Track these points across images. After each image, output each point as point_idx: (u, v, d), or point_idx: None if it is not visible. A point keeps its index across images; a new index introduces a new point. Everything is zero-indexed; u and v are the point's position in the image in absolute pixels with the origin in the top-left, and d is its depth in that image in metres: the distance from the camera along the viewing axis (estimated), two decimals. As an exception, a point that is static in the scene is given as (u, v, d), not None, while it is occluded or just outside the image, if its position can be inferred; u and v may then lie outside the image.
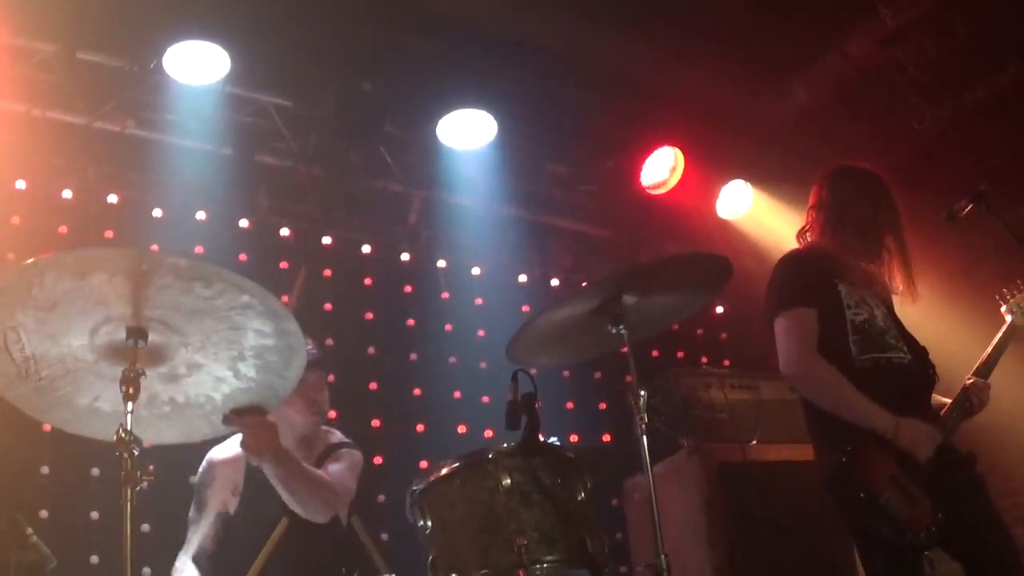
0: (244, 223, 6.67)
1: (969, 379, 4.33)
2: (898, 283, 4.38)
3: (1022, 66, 6.59)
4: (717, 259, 4.10)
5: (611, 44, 6.64)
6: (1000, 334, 4.50)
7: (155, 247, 5.95)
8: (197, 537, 4.58)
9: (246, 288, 3.08)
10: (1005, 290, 4.65)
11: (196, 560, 4.51)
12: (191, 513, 4.65)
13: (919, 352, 4.30)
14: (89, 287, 2.96)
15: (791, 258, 4.43)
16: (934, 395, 4.34)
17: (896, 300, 4.49)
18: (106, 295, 3.00)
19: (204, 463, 4.72)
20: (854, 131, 7.12)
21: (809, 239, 4.50)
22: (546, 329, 4.05)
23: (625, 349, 3.88)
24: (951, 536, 3.92)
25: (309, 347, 4.89)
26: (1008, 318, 4.58)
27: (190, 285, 3.05)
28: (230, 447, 4.74)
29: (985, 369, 4.38)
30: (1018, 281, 4.63)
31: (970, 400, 4.27)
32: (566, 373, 7.20)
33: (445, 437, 6.62)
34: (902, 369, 4.18)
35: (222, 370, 3.33)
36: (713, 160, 7.42)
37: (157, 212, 6.36)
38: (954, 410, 4.23)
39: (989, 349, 4.44)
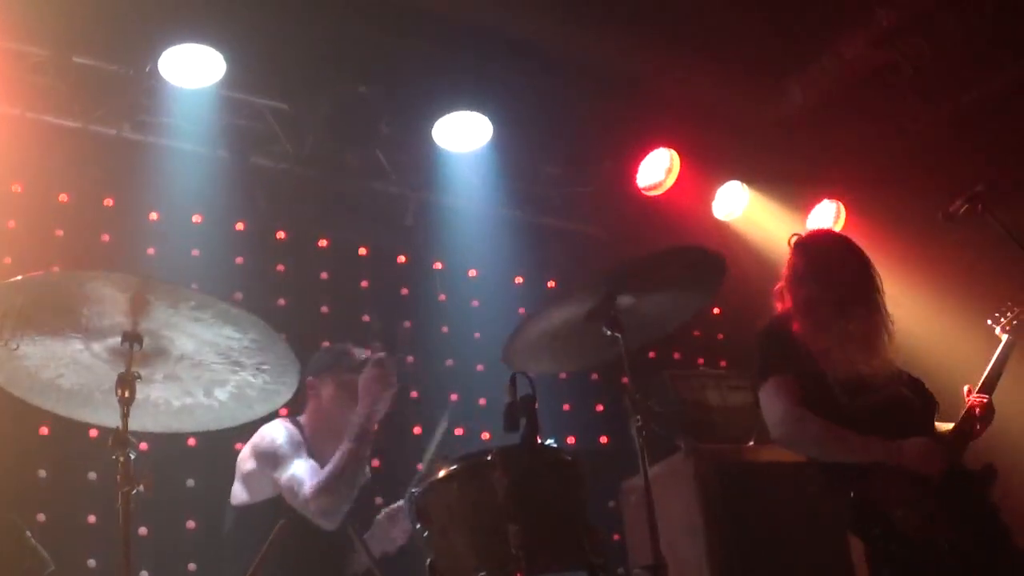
0: (240, 226, 6.66)
1: (973, 395, 4.32)
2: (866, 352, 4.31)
3: (1018, 66, 6.60)
4: (711, 255, 4.10)
5: (606, 46, 6.63)
6: (996, 355, 4.48)
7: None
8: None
9: (277, 349, 3.15)
10: (997, 313, 4.63)
11: None
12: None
13: (914, 385, 4.29)
14: (114, 298, 3.00)
15: (767, 332, 4.43)
16: (936, 424, 4.33)
17: (889, 304, 4.46)
18: (123, 308, 3.04)
19: (271, 432, 4.76)
20: (850, 132, 7.13)
21: (785, 303, 4.46)
22: (541, 334, 4.05)
23: (620, 351, 3.88)
24: (966, 554, 3.92)
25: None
26: (1003, 338, 4.55)
27: (223, 327, 3.10)
28: (278, 427, 4.82)
29: (986, 386, 4.37)
30: (1008, 302, 4.62)
31: (973, 420, 4.26)
32: (563, 375, 7.18)
33: (442, 439, 6.60)
34: (898, 405, 4.17)
35: (195, 388, 3.37)
36: (709, 161, 7.42)
37: (153, 215, 6.35)
38: (958, 432, 4.22)
39: (986, 371, 4.42)
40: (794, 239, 4.58)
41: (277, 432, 4.78)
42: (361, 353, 5.00)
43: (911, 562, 3.90)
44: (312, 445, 4.87)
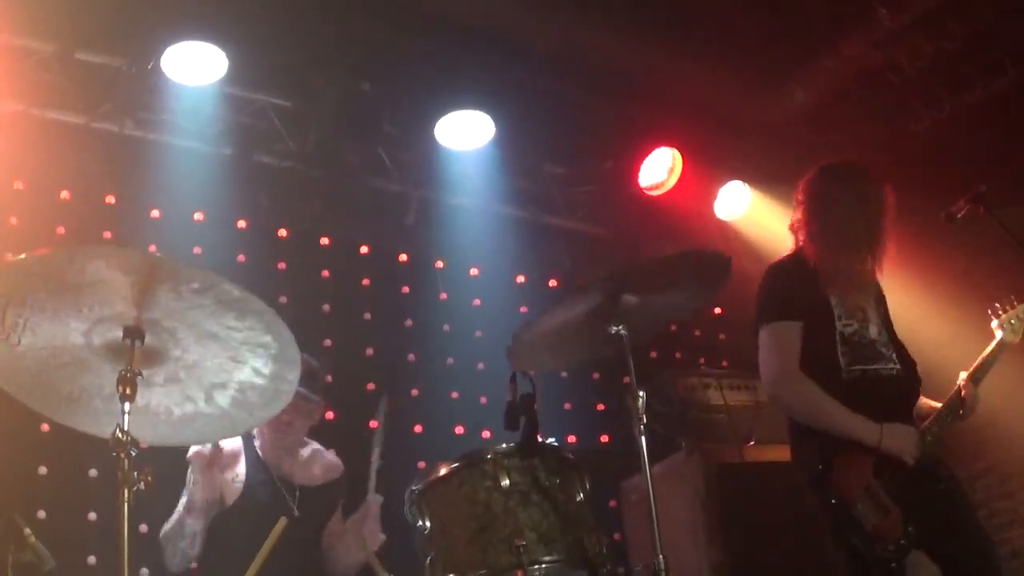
0: (242, 224, 6.66)
1: (962, 383, 4.34)
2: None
3: (1019, 67, 6.59)
4: (715, 256, 4.11)
5: (609, 45, 6.63)
6: (988, 350, 4.49)
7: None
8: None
9: (275, 330, 3.12)
10: (997, 305, 4.64)
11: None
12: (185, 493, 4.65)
13: (908, 363, 4.31)
14: (117, 282, 2.99)
15: (778, 268, 4.46)
16: (922, 399, 4.36)
17: (892, 304, 4.49)
18: (125, 293, 3.02)
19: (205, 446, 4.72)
20: (851, 132, 7.12)
21: (799, 239, 4.50)
22: (547, 331, 4.05)
23: (624, 350, 3.88)
24: (933, 545, 3.95)
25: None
26: (998, 334, 4.56)
27: (224, 315, 3.08)
28: (232, 439, 4.78)
29: (974, 376, 4.39)
30: (1011, 296, 4.62)
31: (964, 402, 4.28)
32: (564, 374, 7.19)
33: (443, 438, 6.62)
34: (890, 380, 4.20)
35: (197, 392, 3.35)
36: (711, 161, 7.42)
37: (155, 213, 6.35)
38: (941, 416, 4.25)
39: (977, 361, 4.44)
40: (823, 166, 4.58)
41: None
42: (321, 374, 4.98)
43: (860, 551, 3.96)
44: (268, 461, 4.87)
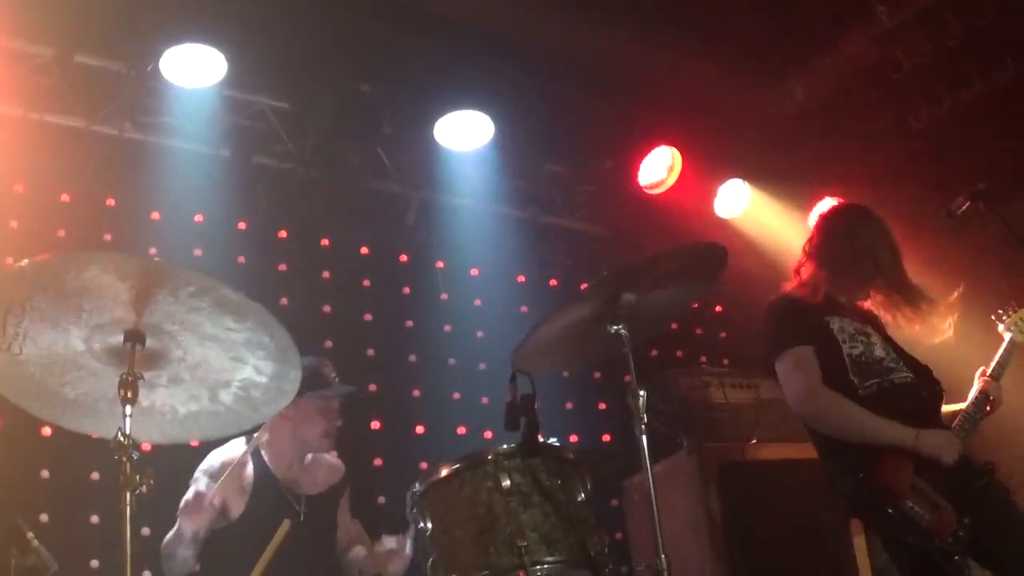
0: (242, 225, 6.66)
1: (984, 380, 4.36)
2: (890, 318, 4.46)
3: (1019, 64, 6.59)
4: (711, 248, 4.11)
5: (608, 44, 6.63)
6: (1002, 351, 4.50)
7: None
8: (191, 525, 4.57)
9: (274, 333, 3.13)
10: (1000, 311, 4.66)
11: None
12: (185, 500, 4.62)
13: (922, 371, 4.32)
14: (114, 287, 3.00)
15: (779, 302, 4.49)
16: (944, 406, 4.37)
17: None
18: (124, 298, 3.03)
19: (211, 459, 4.76)
20: (851, 129, 7.13)
21: (801, 277, 4.55)
22: (549, 335, 4.05)
23: (624, 349, 3.88)
24: (977, 543, 3.94)
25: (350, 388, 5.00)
26: (1007, 336, 4.58)
27: (222, 317, 3.08)
28: (235, 448, 4.76)
29: (995, 375, 4.42)
30: (1012, 302, 4.64)
31: (989, 397, 4.31)
32: (565, 373, 7.18)
33: (445, 438, 6.62)
34: (907, 388, 4.21)
35: (200, 391, 3.36)
36: (711, 159, 7.42)
37: (155, 215, 6.35)
38: (969, 414, 4.26)
39: (994, 362, 4.46)
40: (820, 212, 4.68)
41: (214, 455, 4.79)
42: (331, 374, 4.99)
43: (918, 548, 3.92)
44: (275, 469, 4.88)
